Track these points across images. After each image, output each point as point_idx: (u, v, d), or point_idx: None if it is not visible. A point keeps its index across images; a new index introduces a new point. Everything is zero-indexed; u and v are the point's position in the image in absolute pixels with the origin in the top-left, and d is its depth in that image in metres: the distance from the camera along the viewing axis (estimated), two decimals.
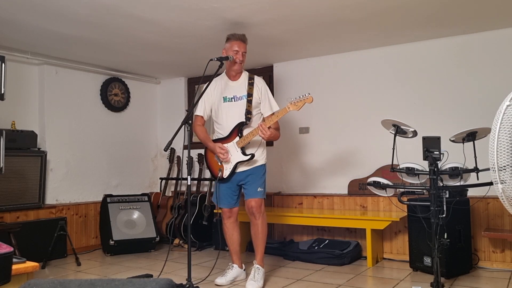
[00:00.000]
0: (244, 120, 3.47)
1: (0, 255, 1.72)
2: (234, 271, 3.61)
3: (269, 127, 3.34)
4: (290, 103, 3.32)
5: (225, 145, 3.50)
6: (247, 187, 3.53)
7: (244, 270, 3.68)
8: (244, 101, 3.49)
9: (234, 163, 3.48)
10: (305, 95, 3.29)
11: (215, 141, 3.56)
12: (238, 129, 3.47)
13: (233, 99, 3.53)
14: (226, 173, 3.52)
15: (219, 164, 3.55)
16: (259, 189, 3.50)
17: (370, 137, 4.56)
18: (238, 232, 3.66)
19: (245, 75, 3.60)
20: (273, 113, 3.50)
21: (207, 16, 3.60)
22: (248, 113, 3.47)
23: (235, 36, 3.51)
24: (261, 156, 3.56)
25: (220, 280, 3.52)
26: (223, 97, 3.56)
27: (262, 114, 3.56)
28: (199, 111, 3.63)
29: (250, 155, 3.46)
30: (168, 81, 6.06)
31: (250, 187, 3.51)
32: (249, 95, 3.49)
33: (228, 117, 3.52)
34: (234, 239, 3.65)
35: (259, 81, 3.58)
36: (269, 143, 4.69)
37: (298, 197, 4.92)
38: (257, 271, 3.47)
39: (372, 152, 4.53)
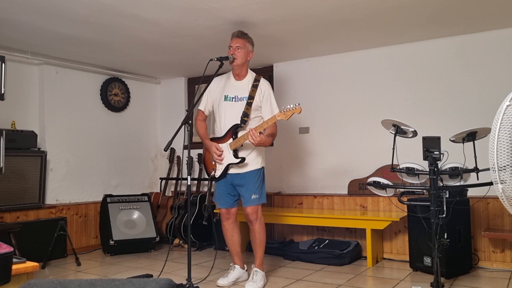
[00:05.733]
0: (239, 123, 3.42)
1: (0, 255, 1.72)
2: (236, 272, 3.59)
3: (260, 133, 3.28)
4: (280, 111, 3.27)
5: (220, 145, 3.49)
6: (242, 194, 3.50)
7: (246, 270, 3.66)
8: (244, 103, 3.44)
9: (225, 164, 3.47)
10: (295, 105, 3.20)
11: (212, 139, 3.55)
12: (232, 131, 3.44)
13: (234, 99, 3.49)
14: (217, 173, 3.51)
15: (213, 163, 3.55)
16: (253, 196, 3.45)
17: (370, 137, 4.56)
18: (238, 233, 3.64)
19: (251, 76, 3.54)
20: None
21: (207, 16, 3.59)
22: (245, 115, 3.41)
23: (232, 34, 3.51)
24: (255, 161, 3.49)
25: (222, 281, 3.51)
26: (225, 96, 3.52)
27: (262, 118, 3.48)
28: (201, 105, 3.64)
29: (240, 159, 3.41)
30: (168, 81, 6.06)
31: (245, 194, 3.47)
32: (250, 97, 3.43)
33: (226, 116, 3.49)
34: (234, 241, 3.62)
35: (263, 84, 3.49)
36: None
37: (298, 197, 4.92)
38: (256, 273, 3.47)
39: (372, 152, 4.53)
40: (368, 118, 4.57)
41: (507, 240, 3.82)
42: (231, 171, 3.50)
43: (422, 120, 4.15)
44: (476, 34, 4.13)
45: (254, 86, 3.46)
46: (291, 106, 3.22)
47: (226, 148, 3.46)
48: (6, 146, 3.56)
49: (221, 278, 3.56)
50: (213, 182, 5.26)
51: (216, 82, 3.58)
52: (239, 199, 3.58)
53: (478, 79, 4.13)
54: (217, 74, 3.43)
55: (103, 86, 5.36)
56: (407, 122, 3.19)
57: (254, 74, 3.56)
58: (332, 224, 4.40)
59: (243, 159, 3.42)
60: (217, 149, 3.46)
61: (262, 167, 3.56)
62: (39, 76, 4.83)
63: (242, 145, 3.42)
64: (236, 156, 3.43)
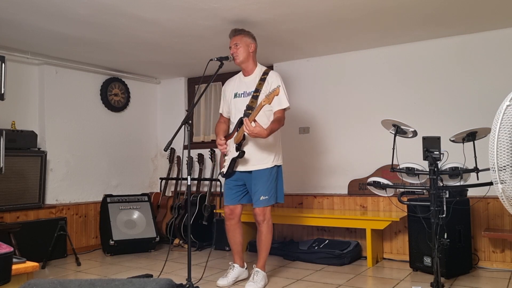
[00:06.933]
0: (243, 116, 3.39)
1: (0, 255, 1.72)
2: (236, 271, 3.58)
3: (255, 123, 3.15)
4: (265, 96, 3.19)
5: (228, 140, 3.50)
6: (252, 194, 3.47)
7: (246, 269, 3.66)
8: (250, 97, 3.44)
9: (230, 159, 3.46)
10: (274, 88, 3.14)
11: (225, 137, 3.55)
12: (238, 125, 3.44)
13: (242, 95, 3.50)
14: (225, 170, 3.51)
15: (224, 158, 3.56)
16: (262, 197, 3.39)
17: (370, 137, 4.56)
18: (240, 234, 3.62)
19: (259, 70, 3.51)
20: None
21: (207, 16, 3.60)
22: (248, 108, 3.38)
23: (229, 35, 3.52)
24: (265, 159, 3.42)
25: (221, 282, 3.50)
26: (235, 93, 3.54)
27: (272, 110, 3.39)
28: (220, 108, 3.74)
29: (239, 152, 3.38)
30: (168, 81, 6.06)
31: (254, 195, 3.43)
32: (256, 90, 3.41)
33: (236, 113, 3.50)
34: (236, 241, 3.61)
35: (271, 76, 3.43)
36: None
37: (298, 197, 4.92)
38: (257, 274, 3.45)
39: (372, 152, 4.53)
40: (368, 118, 4.57)
41: (507, 240, 3.82)
42: (239, 168, 3.48)
43: (422, 120, 4.15)
44: (476, 34, 4.13)
45: (262, 80, 3.44)
46: (272, 90, 3.16)
47: (232, 142, 3.46)
48: (6, 146, 3.56)
49: (220, 278, 3.55)
50: (214, 183, 5.31)
51: (229, 83, 3.65)
52: (244, 197, 3.55)
53: (478, 79, 4.13)
54: (217, 74, 3.43)
55: (103, 86, 5.36)
56: (407, 122, 3.19)
57: (263, 68, 3.54)
58: (332, 224, 4.40)
59: (243, 152, 3.38)
60: (220, 140, 3.49)
61: (275, 166, 3.47)
62: (39, 76, 4.83)
63: (244, 139, 3.39)
64: (237, 149, 3.41)
